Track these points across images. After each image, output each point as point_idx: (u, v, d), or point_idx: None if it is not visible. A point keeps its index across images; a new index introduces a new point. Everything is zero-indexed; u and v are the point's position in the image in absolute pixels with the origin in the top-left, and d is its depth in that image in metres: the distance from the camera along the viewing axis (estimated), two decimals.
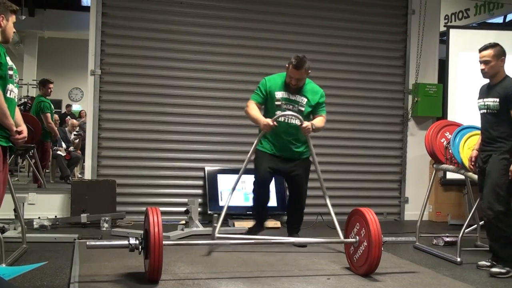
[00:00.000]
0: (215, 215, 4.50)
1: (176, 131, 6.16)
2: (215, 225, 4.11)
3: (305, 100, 4.59)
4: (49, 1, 11.85)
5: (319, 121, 4.59)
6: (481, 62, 4.05)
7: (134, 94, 6.07)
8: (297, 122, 4.41)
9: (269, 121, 4.36)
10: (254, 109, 4.55)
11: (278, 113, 4.44)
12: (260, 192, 4.66)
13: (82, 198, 5.65)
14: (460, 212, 6.39)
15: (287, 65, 4.52)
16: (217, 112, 6.26)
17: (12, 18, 3.20)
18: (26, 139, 3.21)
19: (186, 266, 3.80)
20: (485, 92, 4.12)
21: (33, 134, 6.24)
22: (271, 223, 5.65)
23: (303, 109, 4.57)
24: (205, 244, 4.36)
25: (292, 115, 4.40)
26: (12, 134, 3.09)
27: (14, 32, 3.26)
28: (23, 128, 3.18)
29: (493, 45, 4.02)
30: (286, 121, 4.48)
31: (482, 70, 4.05)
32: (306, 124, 4.38)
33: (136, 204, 5.95)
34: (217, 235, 4.05)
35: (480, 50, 4.06)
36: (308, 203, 6.06)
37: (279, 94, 4.57)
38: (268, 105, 4.63)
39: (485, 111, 4.08)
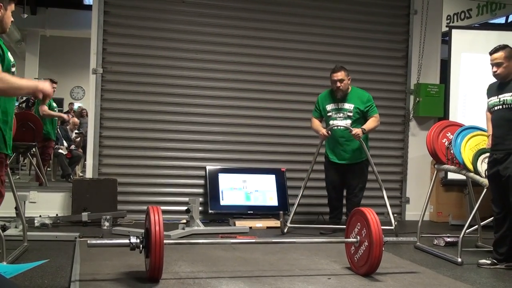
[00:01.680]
0: (280, 212, 5.38)
1: (177, 130, 6.16)
2: (286, 224, 5.13)
3: (352, 106, 5.24)
4: None
5: (370, 122, 5.22)
6: (493, 64, 3.98)
7: (136, 93, 6.07)
8: (347, 125, 5.18)
9: (324, 131, 5.20)
10: (314, 123, 5.41)
11: (331, 123, 5.25)
12: (332, 196, 5.46)
13: (83, 196, 5.65)
14: (461, 212, 6.38)
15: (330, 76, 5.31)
16: (219, 111, 6.25)
17: (11, 7, 3.06)
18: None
19: (186, 265, 3.79)
20: (497, 89, 4.03)
21: (34, 132, 6.27)
22: (271, 222, 5.65)
23: (351, 114, 5.21)
24: (206, 243, 4.36)
25: (342, 126, 5.18)
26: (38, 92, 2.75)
27: (12, 21, 3.14)
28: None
29: (503, 47, 3.97)
30: (338, 128, 5.23)
31: (494, 72, 3.99)
32: (355, 130, 5.07)
33: (137, 203, 5.94)
34: (287, 229, 5.22)
35: (491, 53, 3.99)
36: (309, 203, 6.12)
37: (329, 107, 5.32)
38: (324, 117, 5.40)
39: (500, 107, 3.98)
